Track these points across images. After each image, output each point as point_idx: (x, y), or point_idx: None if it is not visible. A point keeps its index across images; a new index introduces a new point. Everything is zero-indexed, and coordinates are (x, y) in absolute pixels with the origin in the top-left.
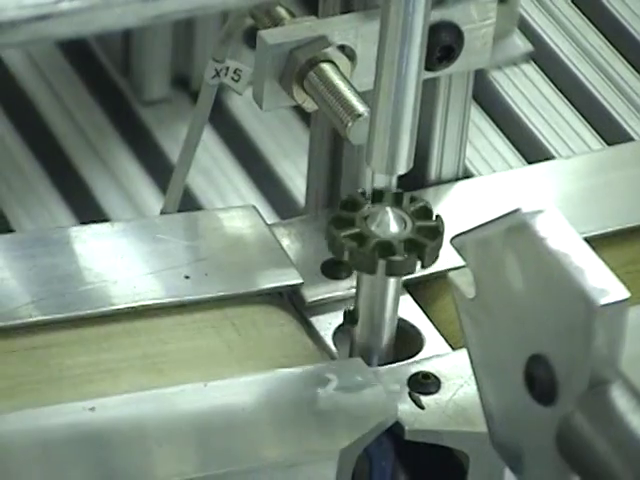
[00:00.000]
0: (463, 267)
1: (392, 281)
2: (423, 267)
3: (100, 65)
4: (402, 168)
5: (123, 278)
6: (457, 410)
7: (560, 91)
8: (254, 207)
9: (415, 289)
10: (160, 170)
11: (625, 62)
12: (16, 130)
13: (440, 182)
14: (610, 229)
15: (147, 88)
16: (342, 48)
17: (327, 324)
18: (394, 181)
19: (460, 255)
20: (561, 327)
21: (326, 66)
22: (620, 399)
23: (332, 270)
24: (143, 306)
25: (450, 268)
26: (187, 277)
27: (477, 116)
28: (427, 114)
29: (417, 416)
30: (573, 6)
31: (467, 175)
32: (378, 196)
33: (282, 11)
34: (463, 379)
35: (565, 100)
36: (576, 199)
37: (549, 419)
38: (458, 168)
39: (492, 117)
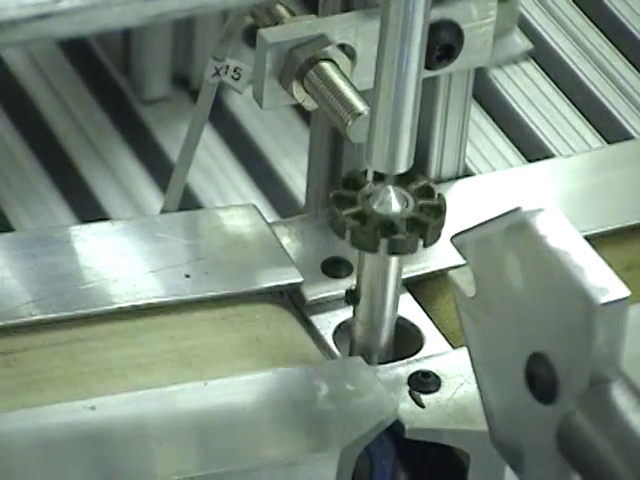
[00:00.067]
0: (463, 266)
1: (394, 260)
2: (425, 246)
3: (100, 64)
4: (402, 167)
5: (123, 277)
6: (457, 409)
7: (560, 89)
8: (254, 206)
9: (415, 287)
10: (160, 169)
11: (625, 60)
12: (16, 129)
13: (440, 181)
14: (610, 227)
15: (147, 87)
16: (342, 47)
17: (327, 323)
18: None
19: (460, 254)
20: (561, 326)
21: (326, 65)
22: (620, 398)
23: (332, 269)
24: (143, 305)
25: (450, 267)
26: (187, 276)
27: (477, 114)
28: (427, 113)
29: (417, 415)
30: (573, 4)
31: (467, 174)
32: (380, 175)
33: (282, 10)
34: (463, 378)
35: (565, 98)
36: (576, 198)
37: (549, 418)
38: (458, 167)
39: (492, 115)
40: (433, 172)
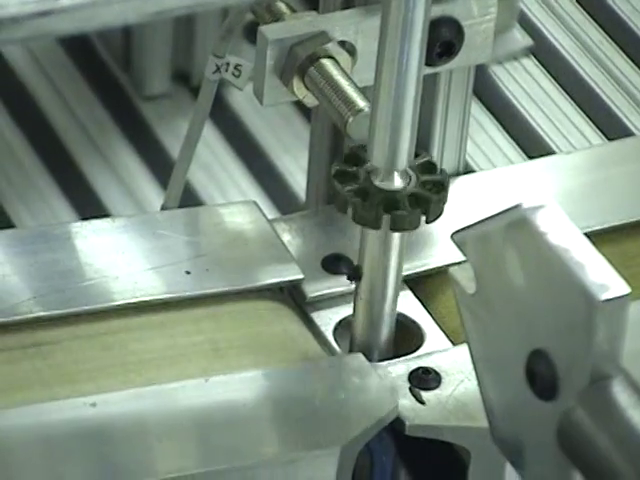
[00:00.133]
0: (464, 262)
1: (396, 236)
2: (427, 221)
3: (101, 60)
4: (403, 163)
5: (124, 274)
6: (458, 405)
7: (560, 86)
8: (255, 203)
9: (416, 284)
10: (161, 165)
11: (625, 57)
12: (17, 125)
13: None
14: (611, 224)
15: (148, 83)
16: (342, 44)
17: (328, 319)
18: None
19: (461, 250)
20: (562, 322)
21: (326, 62)
22: (621, 394)
23: (333, 265)
24: (144, 302)
25: (451, 263)
26: (188, 272)
27: (477, 111)
28: (427, 109)
29: (418, 411)
30: (573, 1)
31: (468, 170)
32: None
33: (282, 6)
34: (464, 374)
35: (565, 95)
36: (576, 194)
37: (550, 414)
38: (459, 163)
39: (492, 112)
40: None
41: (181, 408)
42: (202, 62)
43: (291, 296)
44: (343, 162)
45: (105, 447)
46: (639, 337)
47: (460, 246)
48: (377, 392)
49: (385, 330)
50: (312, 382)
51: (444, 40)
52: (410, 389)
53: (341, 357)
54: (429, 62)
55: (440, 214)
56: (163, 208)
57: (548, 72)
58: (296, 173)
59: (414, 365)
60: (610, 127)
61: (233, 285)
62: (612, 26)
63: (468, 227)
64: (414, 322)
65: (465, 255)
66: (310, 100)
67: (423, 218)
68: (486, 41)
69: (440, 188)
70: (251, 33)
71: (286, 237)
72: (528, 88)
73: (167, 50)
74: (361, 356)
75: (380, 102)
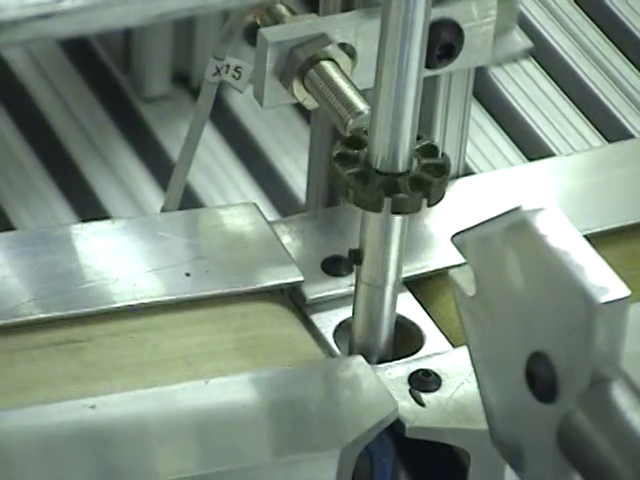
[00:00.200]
0: (464, 265)
1: (397, 220)
2: (429, 205)
3: (101, 62)
4: (403, 166)
5: (124, 276)
6: (458, 408)
7: (560, 88)
8: (255, 204)
9: (415, 286)
10: (161, 167)
11: (624, 58)
12: (17, 127)
13: None
14: (611, 226)
15: (147, 85)
16: (342, 46)
17: (328, 321)
18: None
19: (461, 253)
20: (562, 325)
21: (326, 64)
22: (621, 397)
23: (333, 267)
24: (144, 304)
25: (450, 266)
26: (188, 275)
27: (477, 113)
28: (427, 111)
29: (418, 413)
30: (572, 2)
31: (467, 172)
32: None
33: (283, 9)
34: (464, 376)
35: (565, 97)
36: (576, 196)
37: (550, 417)
38: (458, 165)
39: (492, 114)
40: None
41: (181, 410)
42: (202, 64)
43: (291, 298)
44: (344, 145)
45: (105, 449)
46: (639, 339)
47: (460, 248)
48: (377, 394)
49: (385, 332)
50: (312, 384)
51: (444, 42)
52: (410, 391)
53: (341, 359)
54: (429, 64)
55: (441, 198)
56: (163, 210)
57: (548, 74)
58: (296, 175)
59: (414, 367)
60: (609, 129)
61: (233, 287)
62: (611, 28)
63: (468, 229)
64: (414, 324)
65: (465, 257)
66: (310, 102)
67: (425, 202)
68: (486, 43)
69: (441, 171)
70: (251, 35)
71: (286, 239)
72: (528, 90)
73: (167, 52)
74: (361, 358)
75: (380, 104)
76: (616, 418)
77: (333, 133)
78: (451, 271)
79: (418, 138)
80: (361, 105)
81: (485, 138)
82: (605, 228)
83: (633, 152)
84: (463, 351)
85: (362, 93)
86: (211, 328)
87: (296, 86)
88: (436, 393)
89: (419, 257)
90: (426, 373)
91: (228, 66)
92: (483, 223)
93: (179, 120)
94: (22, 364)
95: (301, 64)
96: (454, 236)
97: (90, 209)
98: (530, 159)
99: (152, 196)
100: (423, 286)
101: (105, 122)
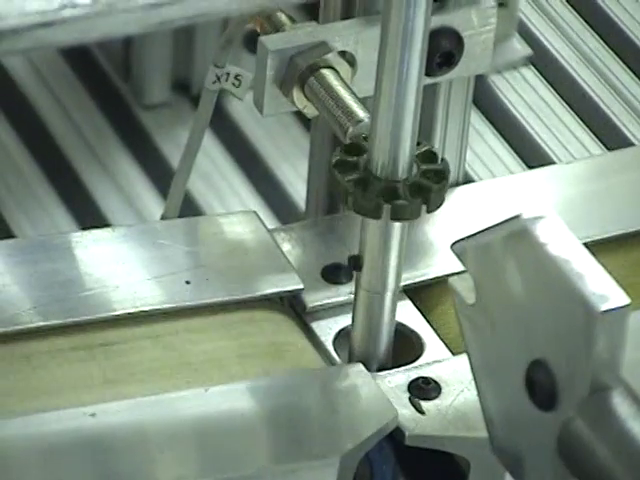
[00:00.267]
0: (463, 272)
1: (397, 226)
2: (428, 211)
3: (101, 70)
4: (403, 173)
5: (124, 283)
6: (457, 415)
7: (560, 95)
8: (255, 212)
9: (415, 294)
10: (160, 175)
11: (624, 66)
12: (17, 135)
13: None
14: (611, 234)
15: (147, 92)
16: (343, 54)
17: (328, 329)
18: None
19: (460, 261)
20: (562, 333)
21: (327, 72)
22: (621, 405)
23: (333, 275)
24: (144, 312)
25: (450, 273)
26: (188, 282)
27: (477, 120)
28: (427, 119)
29: (418, 421)
30: (572, 10)
31: (467, 180)
32: None
33: (283, 17)
34: (463, 384)
35: (565, 104)
36: (576, 204)
37: (550, 425)
38: (458, 173)
39: (492, 121)
40: None
41: (181, 418)
42: (202, 71)
43: (291, 306)
44: (343, 152)
45: (105, 457)
46: (639, 347)
47: (460, 256)
48: (377, 402)
49: (384, 339)
50: (311, 392)
51: (444, 50)
52: (410, 399)
53: (340, 367)
54: (429, 72)
55: (441, 204)
56: (163, 218)
57: (547, 82)
58: (296, 182)
59: (414, 375)
60: (609, 137)
61: (233, 295)
62: (611, 36)
63: (468, 237)
64: (413, 332)
65: (465, 265)
66: (310, 110)
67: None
68: (486, 51)
69: (441, 177)
70: (251, 42)
71: (286, 247)
72: (527, 98)
73: (167, 59)
74: (361, 366)
75: (380, 112)
76: (616, 426)
77: (333, 141)
78: (451, 279)
79: (417, 144)
80: (361, 113)
81: (485, 146)
82: (605, 236)
83: (633, 160)
84: (463, 359)
85: (362, 101)
86: (211, 336)
87: (296, 94)
88: (436, 401)
89: (419, 265)
90: (426, 381)
91: (228, 74)
92: (483, 231)
93: (179, 127)
94: (22, 372)
95: (301, 72)
96: (454, 244)
97: (90, 216)
98: (530, 167)
99: (152, 203)
100: (423, 294)
101: (105, 129)
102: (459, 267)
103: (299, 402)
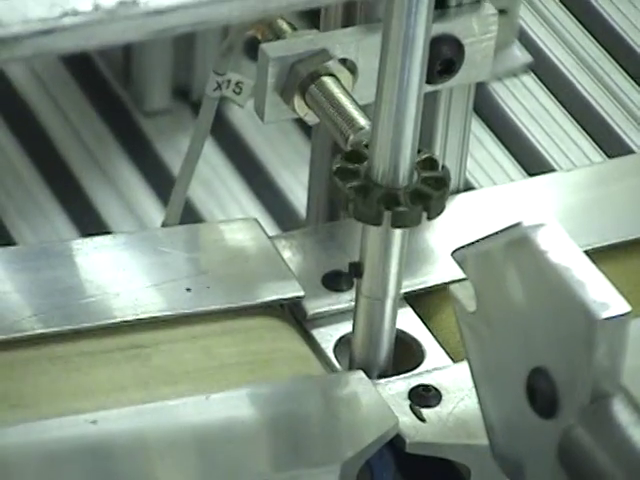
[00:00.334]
0: (464, 280)
1: (397, 233)
2: (429, 218)
3: (101, 77)
4: (404, 181)
5: (125, 291)
6: (458, 423)
7: (560, 102)
8: (255, 220)
9: (416, 301)
10: (161, 181)
11: (624, 74)
12: (18, 142)
13: None
14: (611, 241)
15: (148, 99)
16: (343, 61)
17: (328, 336)
18: None
19: (461, 268)
20: (562, 340)
21: (327, 79)
22: (621, 413)
23: (333, 282)
24: (145, 319)
25: (451, 281)
26: (189, 290)
27: (477, 128)
28: (428, 126)
29: (418, 429)
30: (572, 17)
31: (468, 187)
32: None
33: (284, 24)
34: (464, 392)
35: (565, 112)
36: (577, 212)
37: (550, 432)
38: (459, 180)
39: (492, 129)
40: None
41: (181, 425)
42: (202, 78)
43: (291, 313)
44: (344, 159)
45: (106, 464)
46: (639, 354)
47: (460, 264)
48: (377, 409)
49: (385, 346)
50: (312, 399)
51: (445, 58)
52: (410, 406)
53: (341, 374)
54: (429, 80)
55: (441, 211)
56: (164, 225)
57: (548, 89)
58: (297, 190)
59: (414, 382)
60: (610, 144)
61: (233, 302)
62: (611, 43)
63: (468, 245)
64: (414, 339)
65: (465, 273)
66: (311, 118)
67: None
68: (486, 59)
69: (441, 184)
70: (252, 49)
71: (286, 254)
72: (528, 105)
73: (167, 66)
74: (361, 373)
75: (381, 119)
76: (617, 434)
77: (334, 148)
78: (452, 286)
79: (418, 151)
80: (362, 121)
81: (485, 153)
82: (605, 243)
83: (633, 167)
84: (463, 366)
85: (363, 108)
86: (211, 343)
87: (297, 101)
88: (436, 408)
89: (419, 272)
90: (426, 388)
91: (229, 81)
92: (484, 239)
93: (180, 134)
94: (22, 379)
95: (302, 79)
96: (454, 251)
97: (91, 223)
98: (530, 174)
99: (153, 210)
100: (423, 301)
101: (106, 136)
102: (460, 274)
103: (300, 409)
